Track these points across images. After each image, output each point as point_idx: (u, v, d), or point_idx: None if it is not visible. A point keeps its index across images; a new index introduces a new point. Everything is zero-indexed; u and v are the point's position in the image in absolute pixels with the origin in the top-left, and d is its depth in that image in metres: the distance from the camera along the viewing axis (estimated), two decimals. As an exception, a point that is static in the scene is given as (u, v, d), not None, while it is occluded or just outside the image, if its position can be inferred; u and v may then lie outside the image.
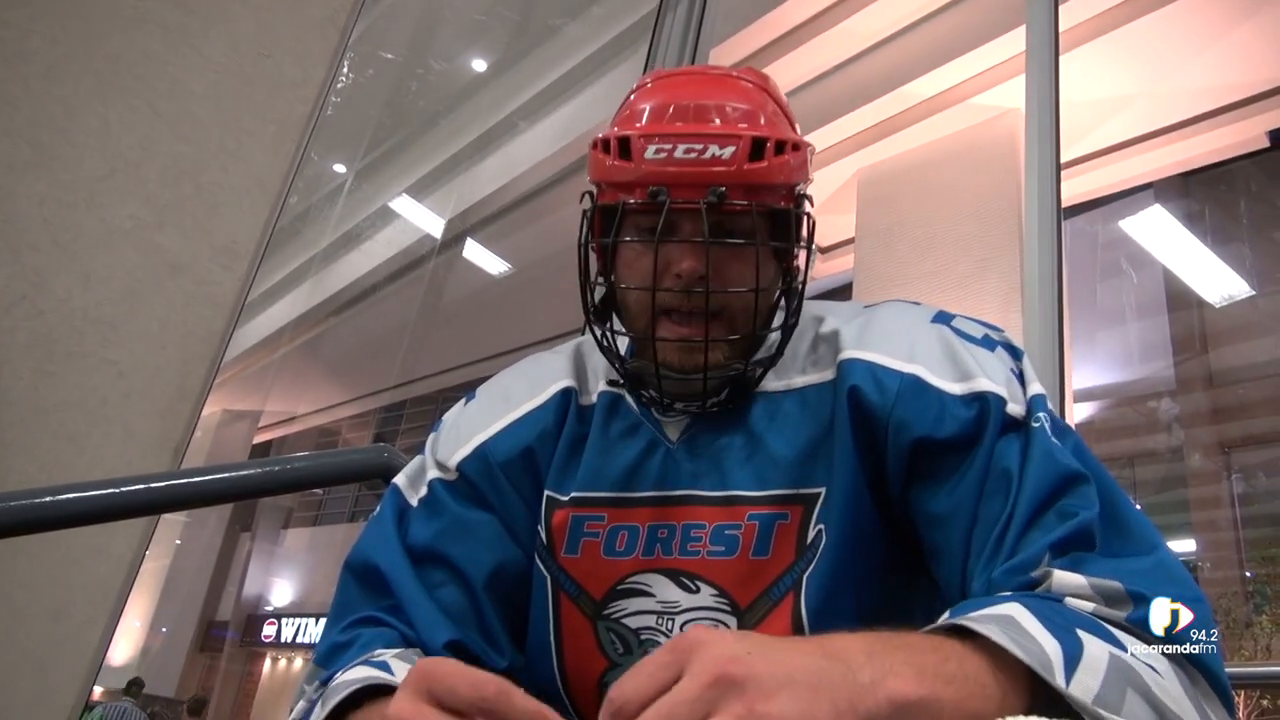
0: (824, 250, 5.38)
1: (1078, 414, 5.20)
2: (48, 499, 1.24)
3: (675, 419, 0.87)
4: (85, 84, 2.37)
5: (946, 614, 0.63)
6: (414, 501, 0.90)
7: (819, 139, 4.47)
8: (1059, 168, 1.94)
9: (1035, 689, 0.57)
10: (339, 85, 3.21)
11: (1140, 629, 0.62)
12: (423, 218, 7.37)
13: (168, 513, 2.52)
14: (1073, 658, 0.57)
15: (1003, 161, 3.88)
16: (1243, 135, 4.13)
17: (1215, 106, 4.04)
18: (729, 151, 0.78)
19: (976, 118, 4.06)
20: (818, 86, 4.44)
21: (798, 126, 0.89)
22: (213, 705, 11.68)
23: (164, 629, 10.92)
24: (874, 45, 4.24)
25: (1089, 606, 0.64)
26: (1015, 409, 0.75)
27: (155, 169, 2.43)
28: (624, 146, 0.81)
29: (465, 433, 0.91)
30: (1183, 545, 5.66)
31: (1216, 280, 5.23)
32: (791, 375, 0.86)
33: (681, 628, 0.82)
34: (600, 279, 0.88)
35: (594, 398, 0.91)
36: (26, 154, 2.26)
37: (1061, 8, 2.21)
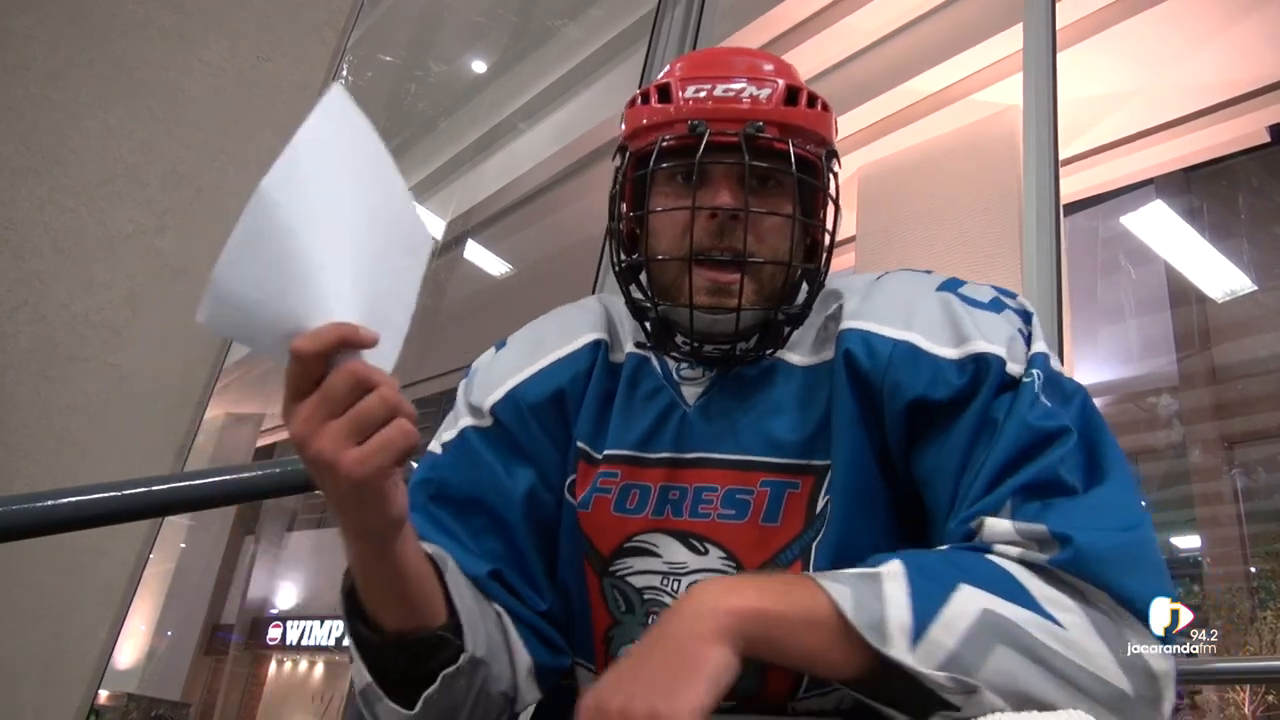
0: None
1: (1080, 410, 5.17)
2: (51, 503, 1.24)
3: (695, 383, 0.88)
4: (86, 89, 2.37)
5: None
6: (438, 448, 0.91)
7: (819, 137, 4.46)
8: (1057, 164, 1.93)
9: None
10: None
11: (1065, 570, 0.63)
12: (424, 219, 7.37)
13: (171, 515, 2.52)
14: (925, 618, 0.60)
15: (1004, 158, 3.87)
16: (1243, 130, 4.12)
17: (1216, 102, 4.03)
18: (765, 93, 0.82)
19: (977, 114, 4.05)
20: (817, 85, 4.42)
21: None
22: (218, 708, 11.68)
23: (169, 632, 10.92)
24: (873, 43, 4.23)
25: (1015, 552, 0.65)
26: (1014, 368, 0.75)
27: (156, 173, 2.44)
28: (663, 92, 0.84)
29: (498, 377, 0.92)
30: (1187, 541, 5.65)
31: (1218, 275, 5.21)
32: (806, 351, 0.87)
33: (687, 589, 0.82)
34: (632, 227, 0.90)
35: (623, 356, 0.92)
36: (28, 159, 2.26)
37: (1059, 4, 2.21)
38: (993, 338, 0.77)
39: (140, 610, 9.70)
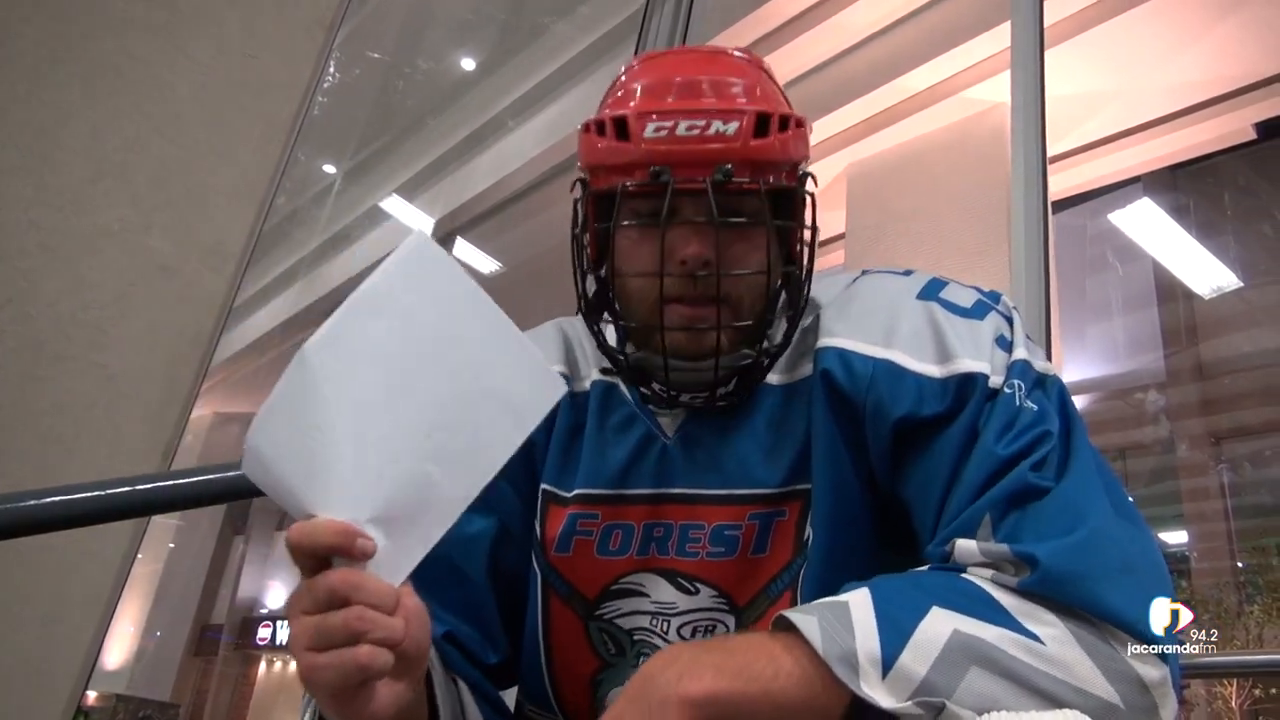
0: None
1: (1069, 407, 5.20)
2: (36, 502, 1.23)
3: (673, 411, 0.83)
4: (71, 87, 2.35)
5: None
6: None
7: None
8: (1045, 161, 1.94)
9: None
10: (326, 85, 3.21)
11: (1033, 592, 0.62)
12: (413, 217, 7.35)
13: (158, 515, 2.51)
14: (895, 647, 0.59)
15: (992, 155, 3.89)
16: (1230, 128, 4.15)
17: (1203, 99, 4.06)
18: (733, 127, 0.74)
19: (966, 111, 4.07)
20: (806, 82, 4.45)
21: (792, 105, 0.85)
22: (208, 709, 11.65)
23: (158, 633, 10.87)
24: (862, 40, 4.24)
25: (987, 573, 0.64)
26: (996, 380, 0.73)
27: (142, 171, 2.42)
28: (620, 127, 0.75)
29: None
30: (1175, 536, 5.68)
31: (1205, 272, 5.25)
32: (782, 367, 0.82)
33: (678, 631, 0.81)
34: (594, 270, 0.83)
35: (587, 385, 0.87)
36: (13, 157, 2.25)
37: (1047, 2, 2.22)
38: (977, 352, 0.74)
39: (128, 611, 9.65)
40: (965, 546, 0.66)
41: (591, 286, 0.84)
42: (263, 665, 12.38)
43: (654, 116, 0.74)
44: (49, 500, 1.24)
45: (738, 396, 0.81)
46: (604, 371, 0.87)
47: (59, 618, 2.19)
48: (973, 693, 0.58)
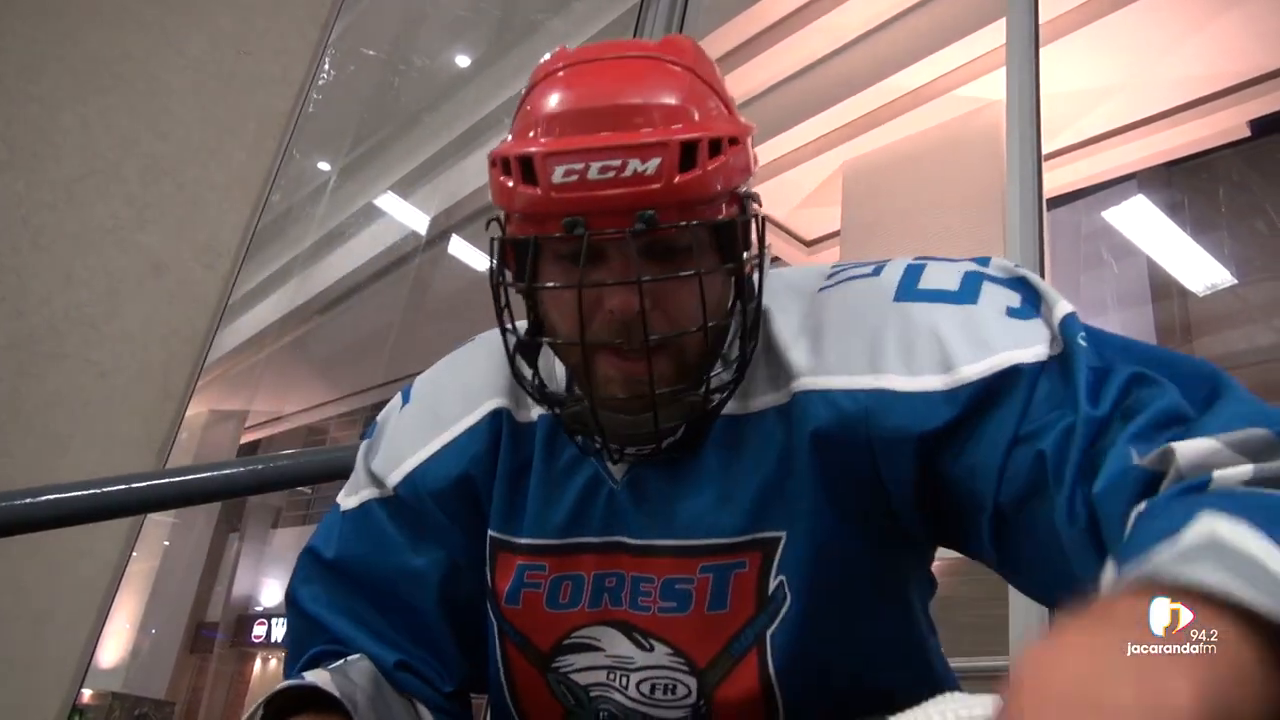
0: (809, 244, 5.39)
1: (1063, 404, 5.22)
2: (30, 500, 1.23)
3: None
4: (63, 83, 2.35)
5: (1114, 566, 0.46)
6: (339, 511, 0.85)
7: (804, 132, 4.47)
8: (1040, 158, 1.94)
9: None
10: (320, 82, 3.20)
11: None
12: (407, 214, 7.34)
13: (152, 512, 2.51)
14: None
15: (987, 152, 3.89)
16: (1225, 125, 4.15)
17: (1197, 96, 4.06)
18: (654, 164, 0.63)
19: (961, 109, 4.07)
20: (802, 79, 4.44)
21: (735, 107, 0.74)
22: (203, 706, 11.63)
23: (153, 630, 10.86)
24: (857, 37, 4.24)
25: (1247, 471, 0.48)
26: (1036, 354, 0.63)
27: (135, 168, 2.42)
28: (527, 168, 0.65)
29: (397, 449, 0.83)
30: (1168, 533, 5.69)
31: (1200, 269, 5.25)
32: (746, 395, 0.73)
33: (637, 686, 0.76)
34: (515, 314, 0.75)
35: (534, 416, 0.80)
36: (4, 154, 2.24)
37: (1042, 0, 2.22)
38: (988, 344, 0.64)
39: (123, 609, 9.64)
40: (1192, 448, 0.50)
41: (523, 325, 0.76)
42: (258, 662, 12.36)
43: (563, 157, 0.64)
44: (43, 499, 1.24)
45: (686, 443, 0.73)
46: None
47: (54, 616, 2.18)
48: None
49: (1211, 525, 0.43)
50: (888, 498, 0.69)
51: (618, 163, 0.63)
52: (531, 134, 0.67)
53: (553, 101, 0.67)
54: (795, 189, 4.90)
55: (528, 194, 0.65)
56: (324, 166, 7.32)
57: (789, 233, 5.31)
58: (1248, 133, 4.18)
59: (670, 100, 0.67)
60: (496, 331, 0.75)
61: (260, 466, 1.39)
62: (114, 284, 2.33)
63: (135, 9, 2.48)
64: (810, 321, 0.73)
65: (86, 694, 8.37)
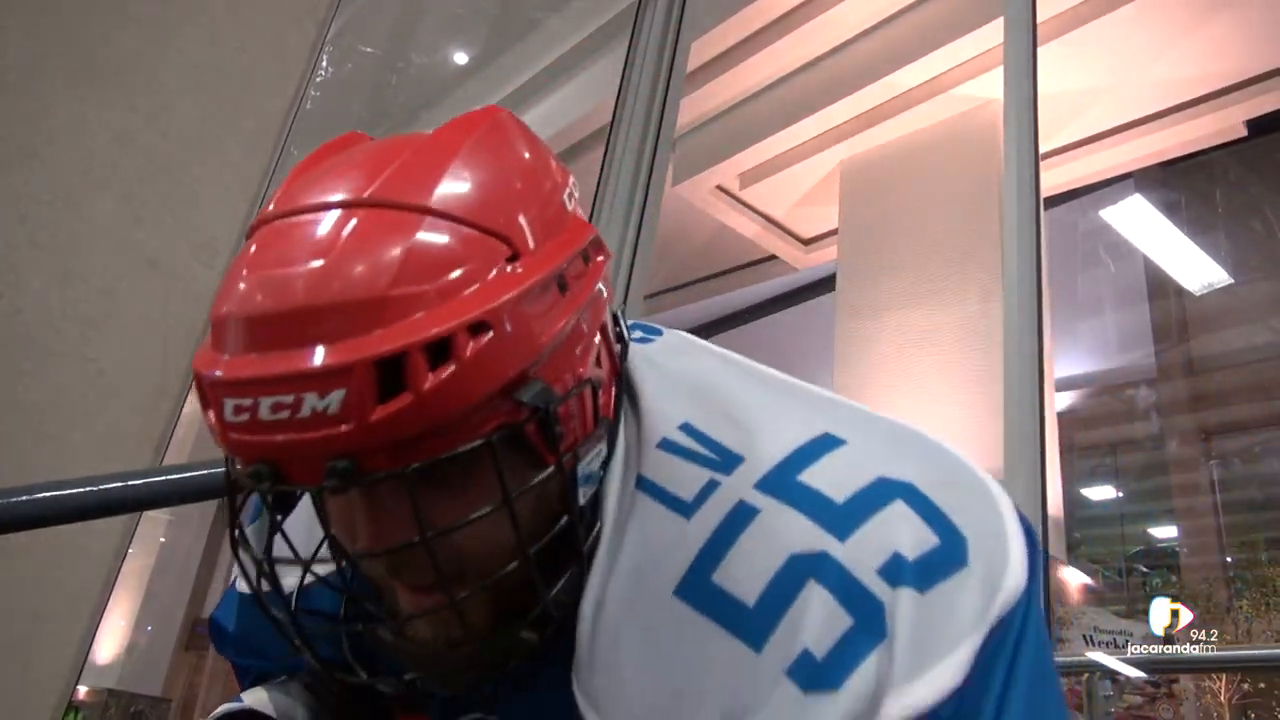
0: (807, 242, 5.39)
1: (1059, 403, 5.24)
2: (26, 498, 1.23)
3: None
4: (60, 80, 2.34)
5: None
6: (241, 588, 0.78)
7: (802, 129, 4.48)
8: (1037, 157, 1.94)
9: None
10: (318, 80, 3.20)
11: None
12: (405, 212, 7.36)
13: (149, 510, 2.50)
14: None
15: (984, 151, 3.90)
16: (1221, 125, 4.16)
17: (1194, 96, 4.07)
18: (336, 399, 0.43)
19: (958, 108, 4.08)
20: (801, 77, 4.45)
21: (568, 193, 0.55)
22: (200, 703, 11.62)
23: (149, 627, 10.86)
24: (855, 36, 4.24)
25: None
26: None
27: (132, 165, 2.41)
28: (203, 393, 0.48)
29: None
30: (1165, 531, 5.72)
31: (1196, 269, 5.27)
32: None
33: None
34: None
35: None
36: (1, 151, 2.24)
37: (1040, -2, 2.22)
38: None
39: (119, 606, 9.63)
40: None
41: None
42: (254, 660, 12.37)
43: (230, 390, 0.46)
44: (39, 496, 1.23)
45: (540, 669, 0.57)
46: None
47: (50, 613, 2.18)
48: None
49: None
50: None
51: (290, 399, 0.44)
52: (211, 336, 0.49)
53: (229, 289, 0.48)
54: (793, 187, 4.90)
55: (209, 422, 0.49)
56: (321, 164, 7.32)
57: (787, 231, 5.32)
58: (1244, 133, 4.20)
59: (367, 290, 0.44)
60: None
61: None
62: (111, 281, 2.33)
63: (133, 7, 2.48)
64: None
65: (82, 690, 8.37)
